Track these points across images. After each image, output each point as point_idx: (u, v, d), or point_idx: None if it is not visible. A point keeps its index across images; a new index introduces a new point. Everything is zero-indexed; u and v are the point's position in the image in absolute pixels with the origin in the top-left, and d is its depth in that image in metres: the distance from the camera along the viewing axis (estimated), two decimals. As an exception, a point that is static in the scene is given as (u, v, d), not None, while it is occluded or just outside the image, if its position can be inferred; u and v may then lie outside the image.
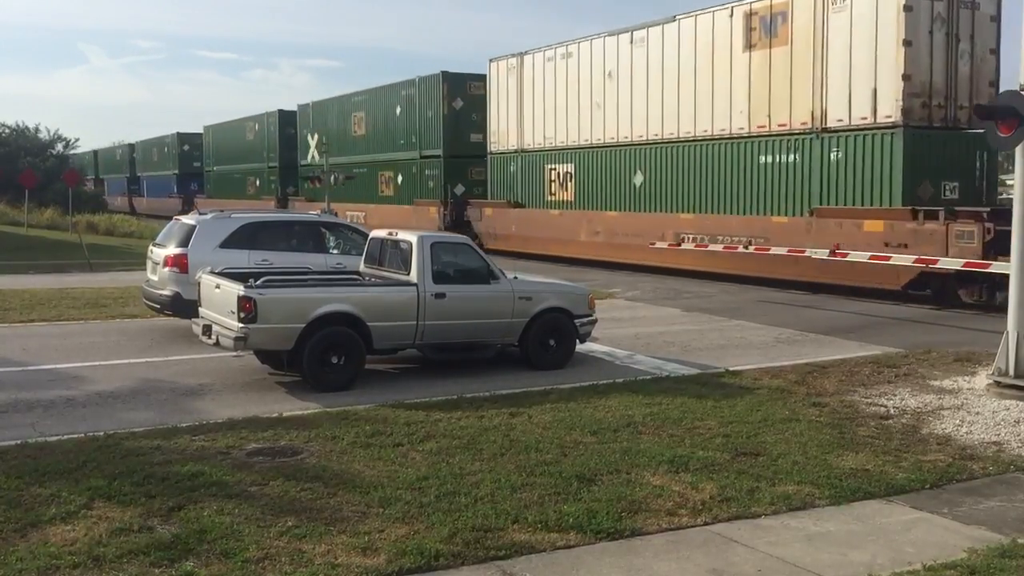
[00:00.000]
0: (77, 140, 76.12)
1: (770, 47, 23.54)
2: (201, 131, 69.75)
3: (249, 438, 8.95)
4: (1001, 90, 18.24)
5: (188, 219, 16.06)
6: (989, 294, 18.73)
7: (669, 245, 26.03)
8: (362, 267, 13.74)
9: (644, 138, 27.65)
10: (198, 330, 12.09)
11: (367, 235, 14.57)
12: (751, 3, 24.01)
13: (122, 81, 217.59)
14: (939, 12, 20.97)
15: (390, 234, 13.40)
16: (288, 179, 53.29)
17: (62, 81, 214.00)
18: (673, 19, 26.50)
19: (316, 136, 49.50)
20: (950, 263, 18.67)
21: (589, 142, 29.95)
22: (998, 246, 17.24)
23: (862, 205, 21.46)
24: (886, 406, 10.68)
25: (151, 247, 16.57)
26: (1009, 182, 24.20)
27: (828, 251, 21.21)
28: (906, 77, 20.59)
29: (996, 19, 21.83)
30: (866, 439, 9.25)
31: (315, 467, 8.07)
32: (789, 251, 22.22)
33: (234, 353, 11.92)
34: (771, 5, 23.47)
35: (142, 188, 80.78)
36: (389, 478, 7.78)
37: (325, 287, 12.28)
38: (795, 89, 22.95)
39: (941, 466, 8.40)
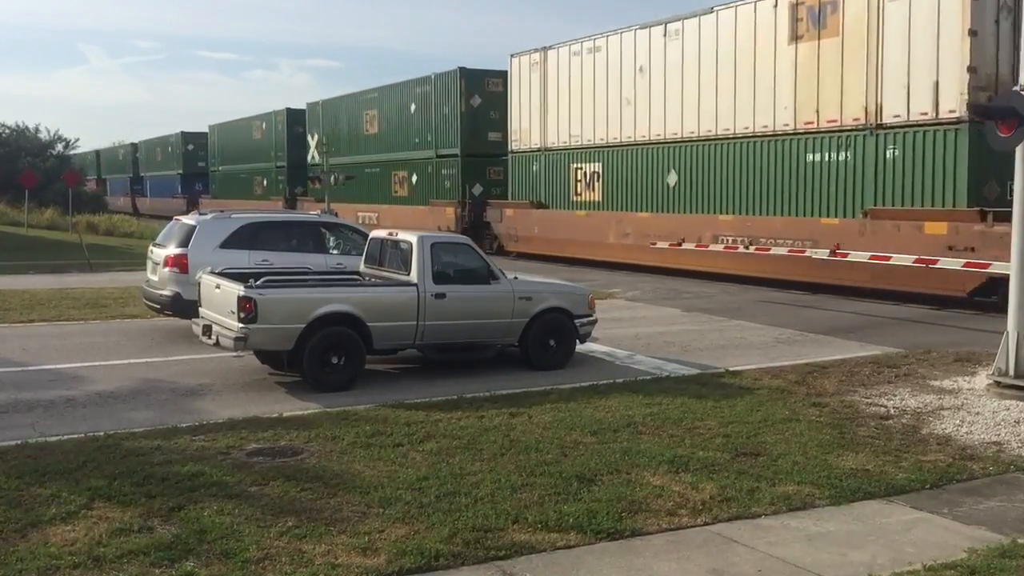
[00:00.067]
0: (77, 140, 75.94)
1: (819, 39, 22.17)
2: (206, 130, 68.97)
3: (249, 438, 8.95)
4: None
5: (188, 219, 16.07)
6: None
7: (670, 245, 25.93)
8: (362, 267, 13.74)
9: (678, 136, 26.44)
10: (198, 330, 12.09)
11: (367, 235, 14.58)
12: None
13: (122, 81, 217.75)
14: (1005, 0, 19.52)
15: (390, 234, 13.40)
16: (296, 179, 52.45)
17: (62, 81, 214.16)
18: (711, 10, 25.14)
19: (316, 136, 49.38)
20: (950, 263, 18.66)
21: (618, 140, 28.69)
22: None
23: (921, 206, 20.18)
24: (886, 406, 10.68)
25: (151, 247, 16.57)
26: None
27: (828, 251, 21.22)
28: (971, 69, 19.10)
29: (1066, 7, 20.20)
30: (866, 439, 9.25)
31: (315, 467, 8.07)
32: (789, 251, 22.22)
33: (234, 353, 11.92)
34: (820, -6, 22.02)
35: (145, 188, 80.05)
36: (389, 478, 7.78)
37: (325, 287, 12.28)
38: (847, 83, 21.62)
39: (941, 466, 8.40)
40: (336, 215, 23.62)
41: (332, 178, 44.20)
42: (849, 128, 21.76)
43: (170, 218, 17.81)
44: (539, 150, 32.61)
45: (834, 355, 14.04)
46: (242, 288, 11.12)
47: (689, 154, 26.18)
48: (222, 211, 17.45)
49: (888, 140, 20.93)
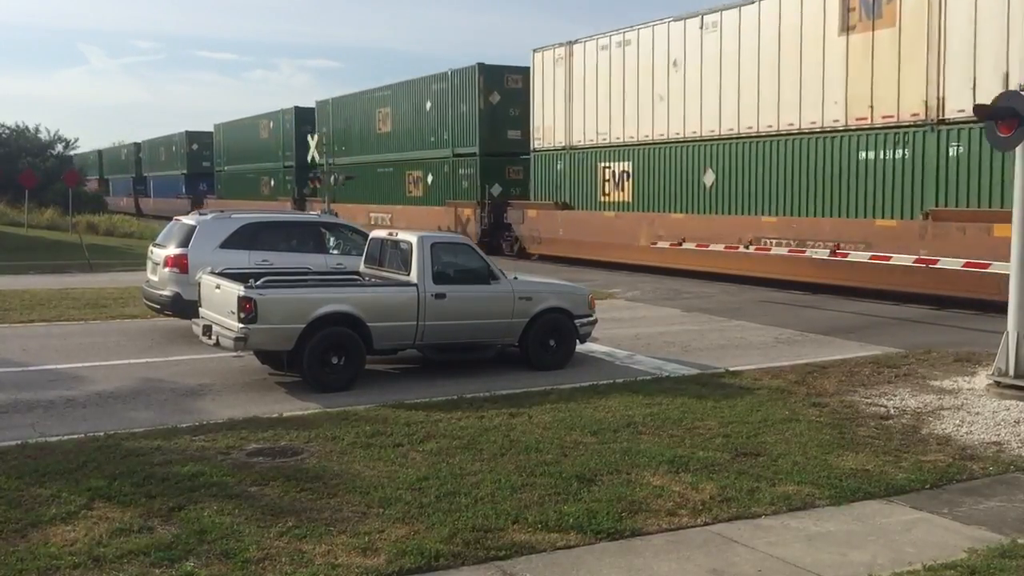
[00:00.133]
0: (76, 140, 75.72)
1: (872, 29, 20.81)
2: (210, 130, 68.07)
3: (249, 438, 8.95)
4: None
5: (188, 219, 16.08)
6: None
7: (671, 245, 25.83)
8: (362, 267, 13.74)
9: (716, 133, 25.02)
10: (198, 330, 12.09)
11: (367, 235, 14.58)
12: None
13: (122, 81, 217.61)
14: None
15: (390, 234, 13.41)
16: (305, 179, 51.53)
17: (62, 81, 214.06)
18: (752, 1, 23.78)
19: (316, 136, 49.22)
20: (950, 263, 18.65)
21: (650, 138, 27.33)
22: None
23: (989, 207, 18.75)
24: (886, 406, 10.68)
25: (151, 247, 16.58)
26: None
27: (829, 251, 21.22)
28: None
29: None
30: (866, 439, 9.25)
31: (315, 467, 8.07)
32: (789, 251, 22.20)
33: (234, 353, 11.93)
34: (874, -18, 20.61)
35: (148, 188, 79.07)
36: (389, 478, 7.78)
37: (325, 287, 12.28)
38: (904, 76, 20.25)
39: (941, 466, 8.40)
40: (336, 215, 23.63)
41: (332, 178, 44.18)
42: (907, 124, 20.34)
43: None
44: (564, 148, 31.26)
45: (834, 355, 14.04)
46: (242, 288, 11.12)
47: (728, 152, 24.82)
48: (222, 211, 17.45)
49: (951, 137, 19.57)
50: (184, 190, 69.16)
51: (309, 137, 50.39)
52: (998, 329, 12.26)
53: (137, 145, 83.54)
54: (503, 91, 35.09)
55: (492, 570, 6.16)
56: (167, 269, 15.15)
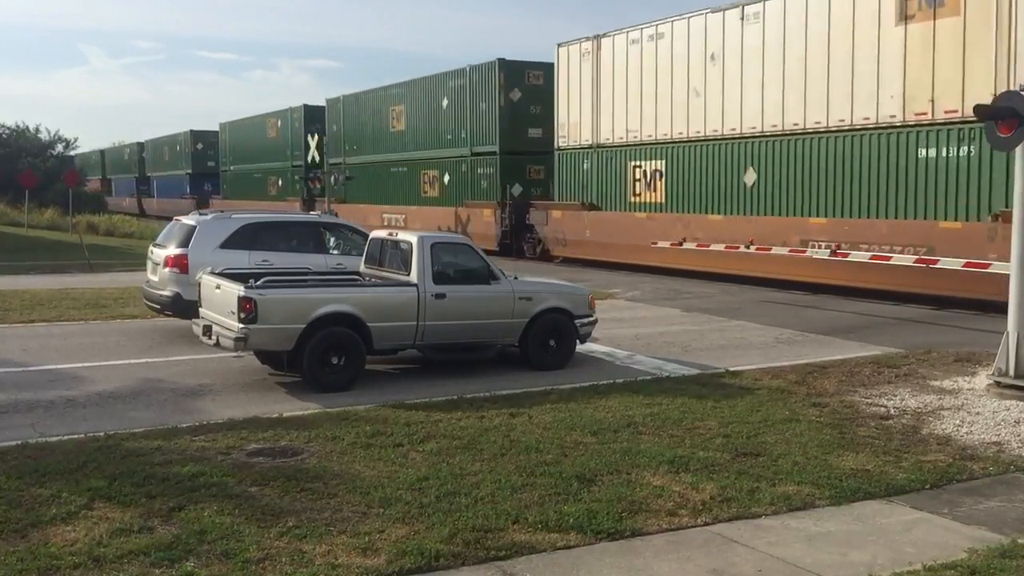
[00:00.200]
0: (76, 140, 75.58)
1: (934, 18, 19.47)
2: (215, 129, 66.51)
3: (249, 438, 8.95)
4: None
5: (188, 219, 16.09)
6: None
7: (671, 245, 25.74)
8: (362, 267, 13.75)
9: (758, 130, 23.57)
10: (198, 331, 12.09)
11: (367, 235, 14.59)
12: None
13: (122, 81, 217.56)
14: None
15: (390, 234, 13.42)
16: (350, 178, 50.12)
17: (62, 81, 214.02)
18: None
19: (317, 136, 49.01)
20: (950, 263, 18.64)
21: (684, 135, 25.91)
22: None
23: None
24: (886, 406, 10.68)
25: (151, 247, 16.59)
26: None
27: (829, 252, 21.21)
28: None
29: None
30: (866, 439, 9.25)
31: (315, 467, 8.07)
32: (790, 251, 22.17)
33: (234, 354, 11.93)
34: (936, -33, 19.24)
35: (152, 189, 77.53)
36: (389, 478, 7.79)
37: (325, 288, 12.28)
38: (970, 68, 18.89)
39: (941, 466, 8.40)
40: (336, 215, 23.63)
41: (332, 178, 44.17)
42: (973, 120, 17.72)
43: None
44: (590, 147, 29.69)
45: (834, 355, 14.04)
46: (242, 288, 11.13)
47: (771, 150, 23.36)
48: (222, 211, 17.46)
49: None
50: (189, 190, 67.83)
51: (309, 137, 50.18)
52: (998, 329, 12.26)
53: (140, 145, 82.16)
54: (524, 88, 33.83)
55: (492, 570, 6.16)
56: (167, 269, 15.15)
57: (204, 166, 67.94)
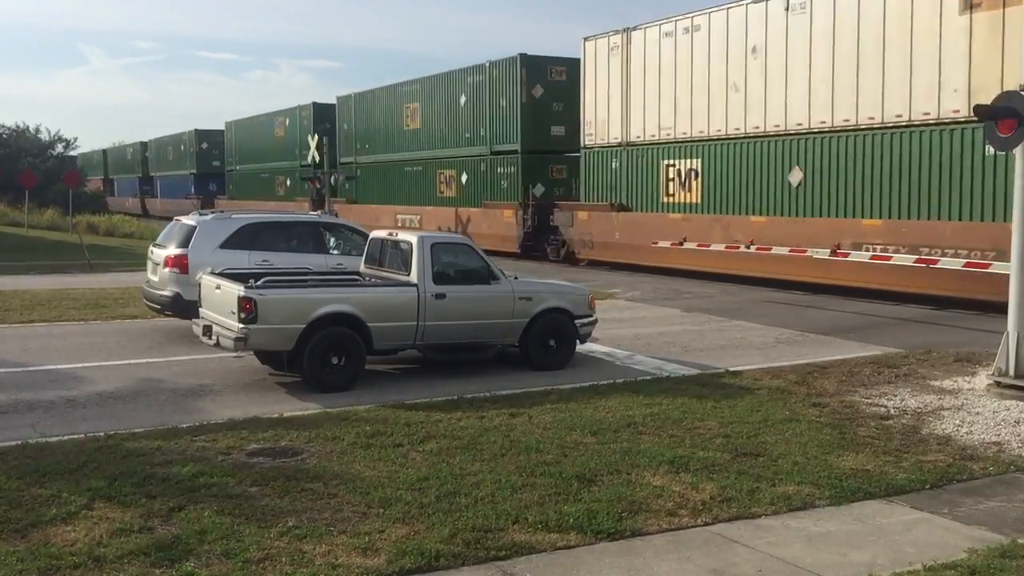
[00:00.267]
0: (76, 140, 75.32)
1: (1003, 6, 18.29)
2: (220, 128, 65.16)
3: (250, 439, 8.95)
4: None
5: (188, 220, 16.09)
6: None
7: (672, 244, 25.66)
8: (362, 268, 13.75)
9: (804, 126, 22.36)
10: (198, 331, 12.09)
11: (367, 235, 14.59)
12: None
13: (122, 81, 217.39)
14: None
15: (390, 235, 13.43)
16: (350, 178, 48.53)
17: (62, 82, 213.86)
18: None
19: (316, 137, 48.82)
20: (950, 263, 18.64)
21: (723, 132, 24.59)
22: None
23: None
24: (886, 406, 10.68)
25: (151, 248, 16.59)
26: None
27: (829, 251, 21.19)
28: None
29: None
30: (866, 439, 9.26)
31: (315, 467, 8.07)
32: (790, 251, 22.15)
33: (234, 354, 11.93)
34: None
35: (155, 189, 76.08)
36: (389, 478, 7.79)
37: (325, 288, 12.28)
38: None
39: (941, 466, 8.40)
40: (335, 215, 23.63)
41: (332, 178, 44.12)
42: None
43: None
44: (619, 145, 28.34)
45: (834, 355, 14.04)
46: (242, 288, 11.13)
47: (819, 148, 22.07)
48: (222, 211, 17.47)
49: None
50: (193, 190, 65.38)
51: (309, 137, 50.01)
52: (998, 329, 12.26)
53: (143, 144, 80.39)
54: (546, 84, 32.63)
55: (492, 570, 6.16)
56: (167, 269, 15.16)
57: (209, 166, 66.46)
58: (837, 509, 7.39)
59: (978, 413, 10.29)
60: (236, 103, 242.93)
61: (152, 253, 16.28)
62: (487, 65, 34.25)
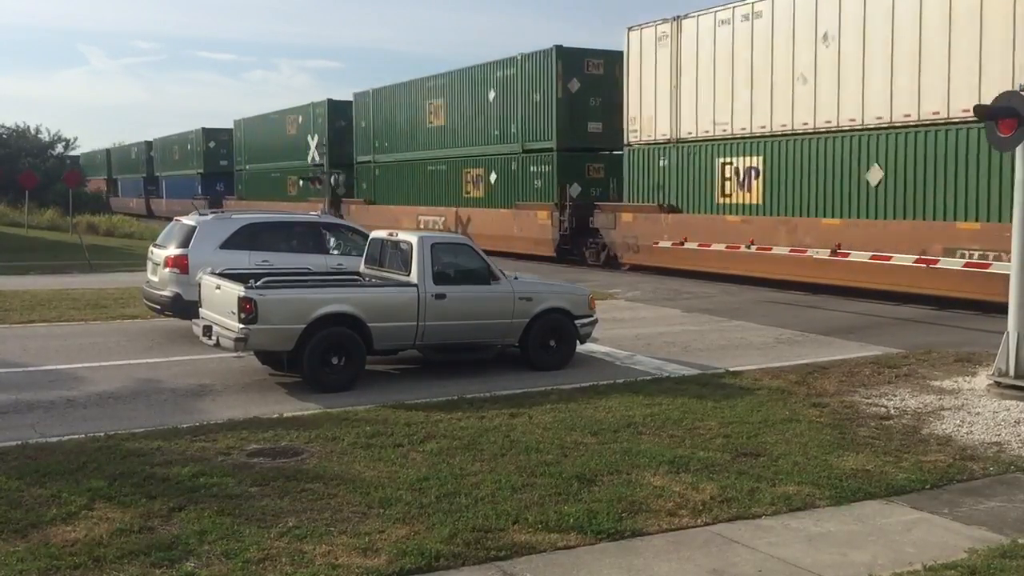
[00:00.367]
0: (76, 140, 75.12)
1: None
2: (228, 126, 62.99)
3: (250, 439, 8.95)
4: None
5: (188, 220, 16.10)
6: None
7: (673, 244, 25.53)
8: (362, 268, 13.75)
9: (885, 120, 20.33)
10: (199, 331, 12.09)
11: (367, 236, 14.60)
12: None
13: (122, 82, 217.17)
14: None
15: (390, 235, 13.43)
16: (350, 178, 46.65)
17: (62, 82, 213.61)
18: None
19: (316, 137, 48.78)
20: (950, 263, 18.64)
21: (788, 127, 22.66)
22: None
23: None
24: (886, 406, 10.68)
25: (151, 248, 16.59)
26: None
27: (829, 251, 21.18)
28: None
29: None
30: (866, 439, 9.25)
31: (315, 468, 8.07)
32: (791, 251, 22.13)
33: (235, 354, 11.93)
34: None
35: (161, 189, 74.12)
36: (389, 479, 7.79)
37: (325, 288, 12.29)
38: None
39: (941, 466, 8.40)
40: (342, 216, 23.61)
41: (332, 179, 44.14)
42: None
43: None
44: (668, 142, 26.46)
45: (834, 355, 14.04)
46: (242, 289, 11.13)
47: (902, 144, 20.07)
48: (223, 212, 17.48)
49: None
50: (200, 190, 63.51)
51: (309, 137, 49.92)
52: (998, 329, 12.26)
53: (148, 143, 77.48)
54: (582, 77, 30.67)
55: (492, 570, 6.16)
56: (167, 269, 15.16)
57: (217, 165, 64.72)
58: (837, 509, 7.39)
59: (978, 413, 10.29)
60: (236, 103, 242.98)
61: (152, 253, 16.28)
62: (519, 58, 32.64)
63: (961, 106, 18.66)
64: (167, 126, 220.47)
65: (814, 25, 21.84)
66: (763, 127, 23.46)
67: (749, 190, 23.97)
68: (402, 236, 13.02)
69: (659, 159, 26.94)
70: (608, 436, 9.20)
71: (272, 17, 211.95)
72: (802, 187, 22.54)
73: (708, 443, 9.02)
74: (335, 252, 16.14)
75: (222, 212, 17.25)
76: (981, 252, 18.41)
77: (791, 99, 22.59)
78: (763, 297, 21.80)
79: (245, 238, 15.49)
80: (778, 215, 23.06)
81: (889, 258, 19.87)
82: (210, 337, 11.66)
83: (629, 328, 16.81)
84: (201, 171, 65.63)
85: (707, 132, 25.22)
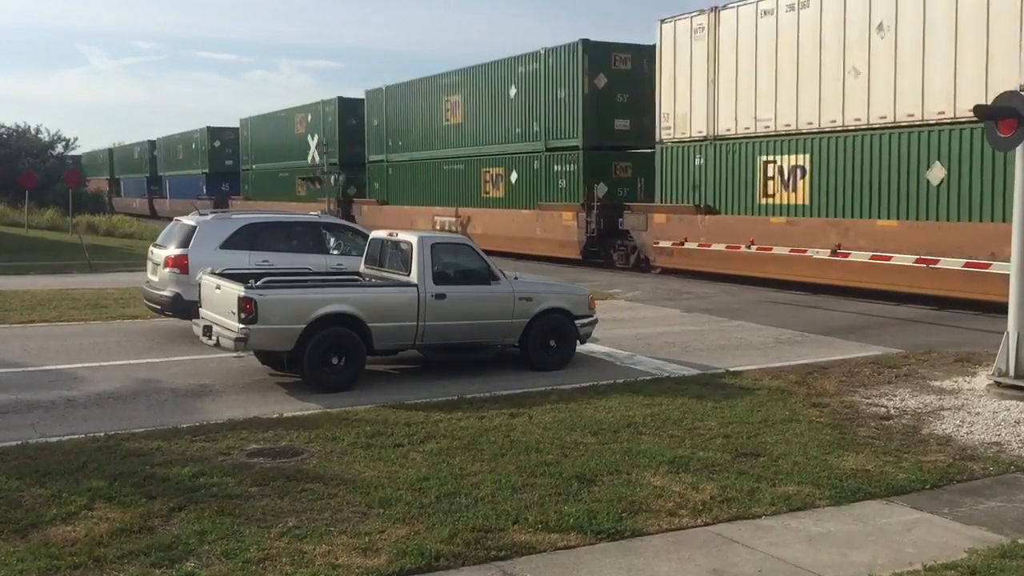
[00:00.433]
0: (76, 140, 74.97)
1: None
2: (233, 125, 62.16)
3: (250, 439, 8.95)
4: None
5: (188, 220, 16.10)
6: None
7: (673, 244, 25.46)
8: (362, 268, 13.75)
9: (947, 115, 19.06)
10: (199, 331, 12.10)
11: (367, 236, 14.61)
12: None
13: (122, 82, 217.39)
14: None
15: (390, 235, 13.43)
16: (350, 178, 45.94)
17: (62, 82, 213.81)
18: None
19: (316, 137, 48.68)
20: (950, 263, 18.63)
21: (838, 124, 21.42)
22: None
23: None
24: (886, 407, 10.68)
25: (151, 248, 16.60)
26: None
27: (830, 251, 21.18)
28: None
29: None
30: (866, 439, 9.26)
31: (316, 468, 8.07)
32: (791, 251, 22.13)
33: (235, 354, 11.93)
34: None
35: (164, 189, 72.29)
36: (389, 479, 7.79)
37: (325, 288, 12.29)
38: None
39: (941, 466, 8.40)
40: (336, 215, 23.62)
41: (332, 179, 44.11)
42: None
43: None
44: (705, 139, 25.28)
45: (834, 355, 14.04)
46: (242, 289, 11.13)
47: (967, 140, 18.85)
48: (223, 212, 17.49)
49: None
50: (205, 191, 62.28)
51: (309, 138, 49.83)
52: (998, 329, 12.26)
53: (152, 143, 76.20)
54: (609, 73, 29.45)
55: (492, 570, 6.16)
56: (167, 270, 15.16)
57: (222, 165, 63.47)
58: (837, 509, 7.39)
59: (978, 413, 10.29)
60: (237, 103, 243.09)
61: (152, 253, 16.29)
62: (542, 53, 31.34)
63: None
64: (167, 126, 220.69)
65: (868, 14, 20.61)
66: (810, 123, 22.23)
67: (794, 190, 22.78)
68: (402, 236, 13.02)
69: (694, 157, 25.71)
70: (608, 436, 9.20)
71: (272, 17, 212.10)
72: (853, 186, 21.35)
73: (708, 443, 9.02)
74: (335, 252, 16.15)
75: (222, 212, 17.24)
76: None
77: (842, 93, 21.36)
78: (763, 297, 21.80)
79: (245, 238, 15.50)
80: (827, 216, 21.88)
81: (889, 258, 19.62)
82: (210, 337, 11.66)
83: (629, 328, 16.81)
84: (206, 171, 64.64)
85: (748, 129, 23.96)
